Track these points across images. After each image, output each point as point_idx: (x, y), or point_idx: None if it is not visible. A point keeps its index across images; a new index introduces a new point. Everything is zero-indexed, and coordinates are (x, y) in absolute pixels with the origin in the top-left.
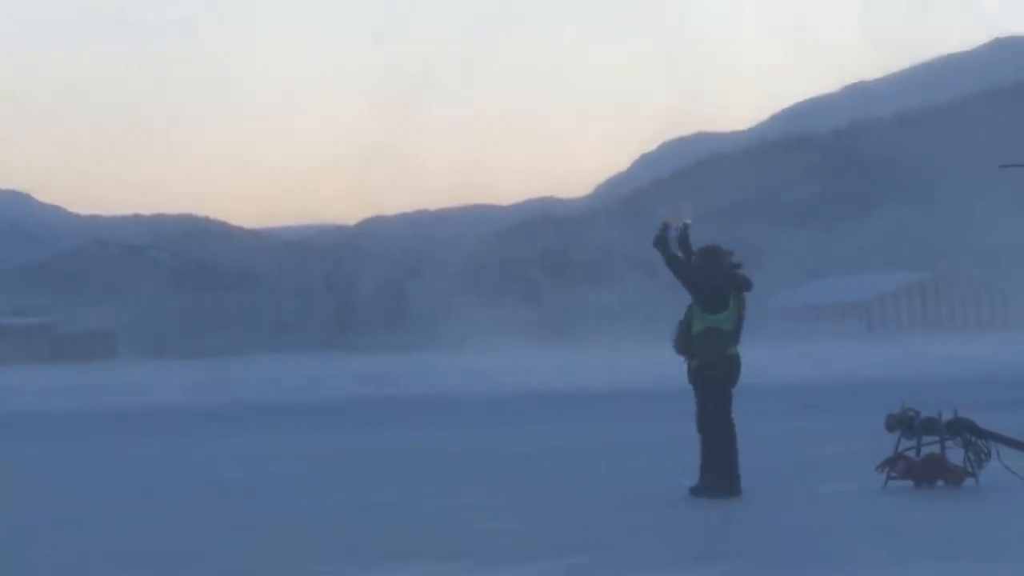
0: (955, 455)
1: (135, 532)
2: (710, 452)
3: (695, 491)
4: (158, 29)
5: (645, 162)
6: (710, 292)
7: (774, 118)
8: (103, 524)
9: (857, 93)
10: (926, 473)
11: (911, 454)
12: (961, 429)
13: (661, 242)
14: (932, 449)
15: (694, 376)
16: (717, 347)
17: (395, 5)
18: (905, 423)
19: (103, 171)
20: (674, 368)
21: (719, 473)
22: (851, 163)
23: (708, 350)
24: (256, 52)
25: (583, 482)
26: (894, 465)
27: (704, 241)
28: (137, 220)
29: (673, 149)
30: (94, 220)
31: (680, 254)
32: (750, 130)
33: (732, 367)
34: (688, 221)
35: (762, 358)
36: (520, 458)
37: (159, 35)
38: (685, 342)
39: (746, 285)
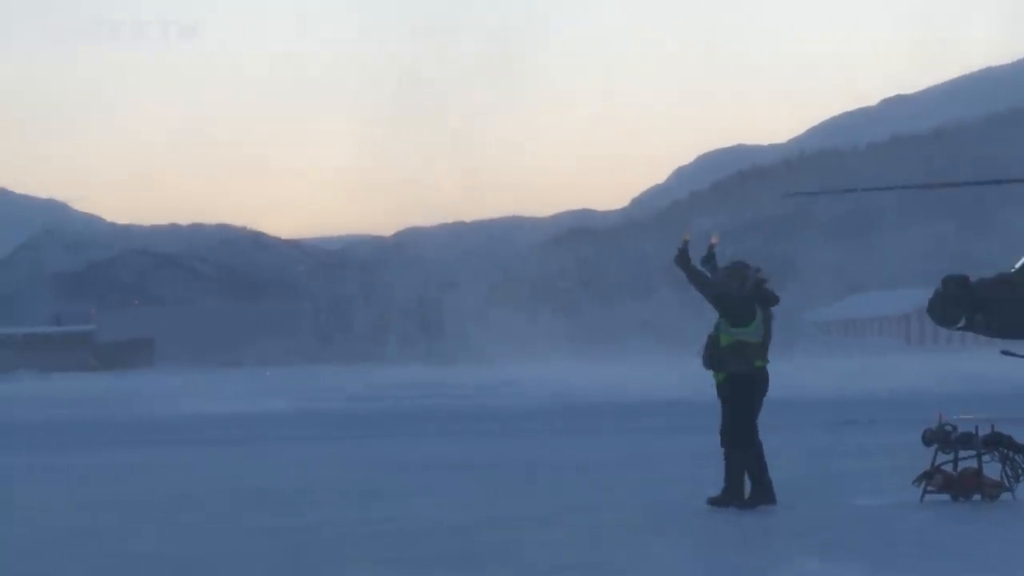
0: (992, 469)
1: (171, 542)
2: (736, 465)
3: (714, 502)
4: (197, 39)
5: (682, 175)
6: (736, 306)
7: (812, 131)
8: (139, 535)
9: (895, 107)
10: (963, 487)
11: (948, 468)
12: (998, 443)
13: (682, 258)
14: (969, 463)
15: (721, 389)
16: (745, 360)
17: (430, 14)
18: (942, 437)
19: (141, 181)
20: (708, 381)
21: (756, 485)
22: (887, 178)
23: (736, 363)
24: (296, 63)
25: (617, 494)
26: (931, 479)
27: (742, 253)
28: (175, 230)
29: (711, 161)
30: (132, 229)
31: (702, 269)
32: (788, 143)
33: (760, 380)
34: (715, 241)
35: (800, 372)
36: (555, 469)
37: (198, 46)
38: (713, 356)
39: (773, 299)
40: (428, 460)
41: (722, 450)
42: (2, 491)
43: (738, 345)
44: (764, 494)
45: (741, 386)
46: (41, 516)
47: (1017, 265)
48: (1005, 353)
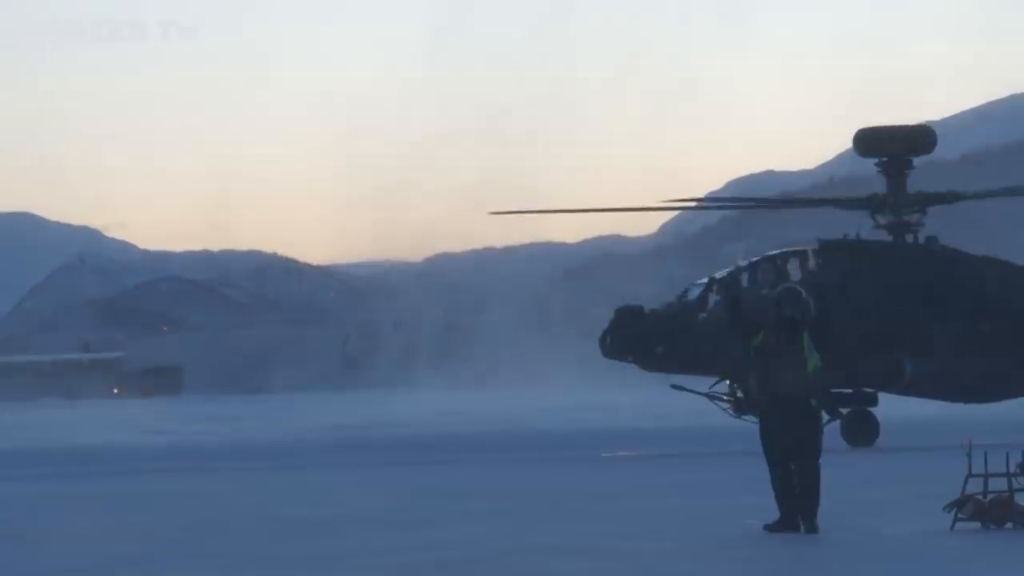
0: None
1: (201, 572)
2: (808, 488)
3: (771, 528)
4: (228, 68)
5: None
6: (819, 329)
7: (840, 157)
8: (172, 564)
9: None
10: (994, 515)
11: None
12: None
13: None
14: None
15: (807, 413)
16: (828, 383)
17: (462, 42)
18: None
19: (173, 208)
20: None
21: (804, 509)
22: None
23: (824, 388)
24: (326, 90)
25: (649, 521)
26: (962, 507)
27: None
28: (206, 256)
29: (740, 187)
30: (163, 256)
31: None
32: (817, 168)
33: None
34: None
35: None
36: (587, 497)
37: (228, 73)
38: (803, 382)
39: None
40: (461, 487)
41: (772, 476)
42: (33, 519)
43: (820, 370)
44: (814, 519)
45: (820, 409)
46: (73, 546)
47: (693, 295)
48: (675, 387)
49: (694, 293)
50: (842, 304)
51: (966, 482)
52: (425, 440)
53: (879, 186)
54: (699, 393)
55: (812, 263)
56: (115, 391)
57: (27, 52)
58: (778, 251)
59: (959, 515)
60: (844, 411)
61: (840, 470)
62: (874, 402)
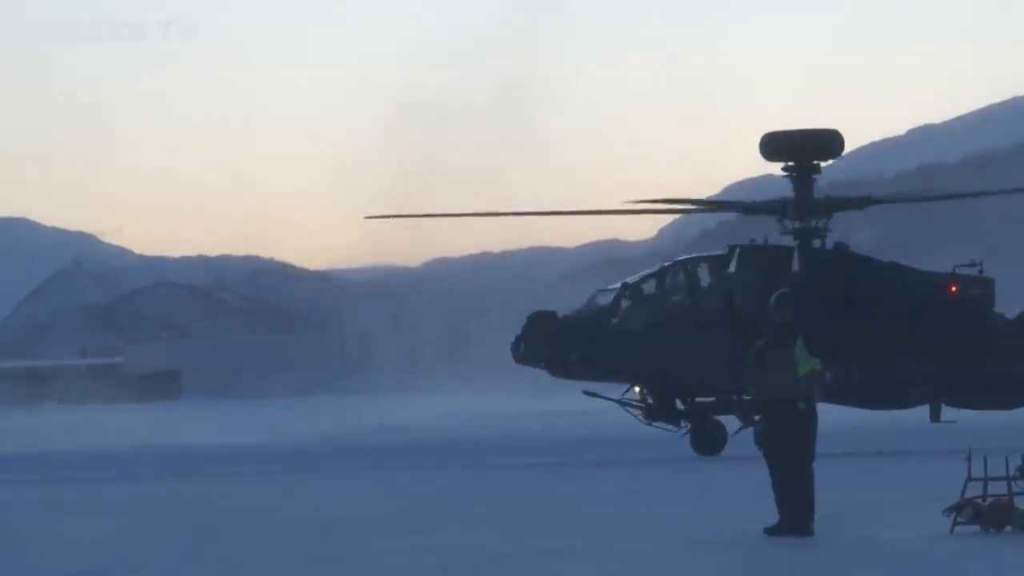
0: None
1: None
2: (802, 492)
3: (771, 531)
4: (220, 73)
5: None
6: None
7: (841, 160)
8: (172, 568)
9: (923, 136)
10: (993, 518)
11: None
12: None
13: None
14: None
15: (797, 418)
16: (823, 388)
17: (458, 43)
18: None
19: (169, 213)
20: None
21: (801, 512)
22: (917, 206)
23: (817, 391)
24: (322, 94)
25: (648, 524)
26: (961, 510)
27: None
28: (203, 261)
29: (740, 191)
30: (160, 261)
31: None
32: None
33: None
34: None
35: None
36: (587, 501)
37: (222, 79)
38: (793, 385)
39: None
40: (460, 491)
41: (772, 479)
42: (32, 524)
43: (814, 374)
44: (810, 522)
45: (813, 414)
46: (72, 550)
47: (604, 300)
48: (588, 394)
49: (605, 299)
50: (753, 309)
51: (966, 486)
52: (424, 444)
53: (877, 191)
54: (611, 400)
55: (724, 268)
56: (114, 396)
57: (24, 53)
58: (690, 256)
59: (958, 518)
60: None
61: (839, 473)
62: None
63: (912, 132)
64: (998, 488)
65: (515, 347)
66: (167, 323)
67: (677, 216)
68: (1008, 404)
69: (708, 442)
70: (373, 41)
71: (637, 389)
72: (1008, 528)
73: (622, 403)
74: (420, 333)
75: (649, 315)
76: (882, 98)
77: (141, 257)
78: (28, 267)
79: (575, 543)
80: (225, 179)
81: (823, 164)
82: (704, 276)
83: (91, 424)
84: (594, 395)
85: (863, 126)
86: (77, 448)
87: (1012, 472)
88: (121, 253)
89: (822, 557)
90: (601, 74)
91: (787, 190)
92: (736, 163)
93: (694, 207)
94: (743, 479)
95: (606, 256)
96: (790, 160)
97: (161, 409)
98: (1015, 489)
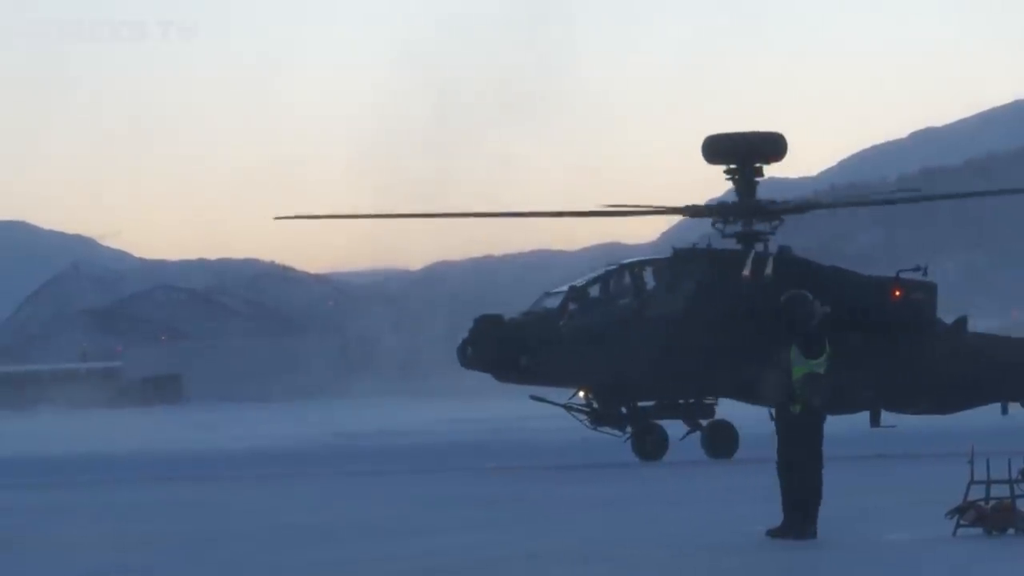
0: None
1: None
2: (805, 495)
3: (774, 533)
4: (220, 73)
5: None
6: (810, 337)
7: (842, 164)
8: (172, 572)
9: (925, 139)
10: (996, 521)
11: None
12: None
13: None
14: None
15: (797, 420)
16: (817, 391)
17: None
18: None
19: (169, 216)
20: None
21: (804, 515)
22: (919, 209)
23: (813, 395)
24: (321, 97)
25: (653, 529)
26: (964, 513)
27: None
28: (203, 264)
29: None
30: (160, 265)
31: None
32: (818, 176)
33: (824, 412)
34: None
35: None
36: (589, 505)
37: (222, 79)
38: (787, 387)
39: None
40: (461, 495)
41: (785, 479)
42: (32, 528)
43: (811, 377)
44: (811, 525)
45: (815, 417)
46: (72, 554)
47: (551, 304)
48: (534, 398)
49: (552, 302)
50: (695, 313)
51: (968, 489)
52: (425, 448)
53: (880, 194)
54: (557, 404)
55: (666, 272)
56: (115, 400)
57: (24, 54)
58: (635, 259)
59: (961, 521)
60: (704, 423)
61: (842, 476)
62: (711, 414)
63: (914, 135)
64: (1001, 491)
65: (461, 351)
66: (167, 327)
67: (680, 219)
68: (947, 409)
69: (650, 447)
70: (373, 42)
71: (582, 394)
72: (1011, 531)
73: (568, 408)
74: (421, 336)
75: (594, 319)
76: (884, 102)
77: (140, 260)
78: (26, 271)
79: (577, 546)
80: (225, 181)
81: (811, 174)
82: (649, 279)
83: (92, 428)
84: (540, 400)
85: (865, 129)
86: (76, 452)
87: (1015, 475)
88: (120, 256)
89: (824, 560)
90: (603, 73)
91: (788, 191)
92: None
93: (640, 211)
94: (743, 481)
95: (608, 259)
96: (732, 163)
97: (162, 412)
98: (1018, 492)
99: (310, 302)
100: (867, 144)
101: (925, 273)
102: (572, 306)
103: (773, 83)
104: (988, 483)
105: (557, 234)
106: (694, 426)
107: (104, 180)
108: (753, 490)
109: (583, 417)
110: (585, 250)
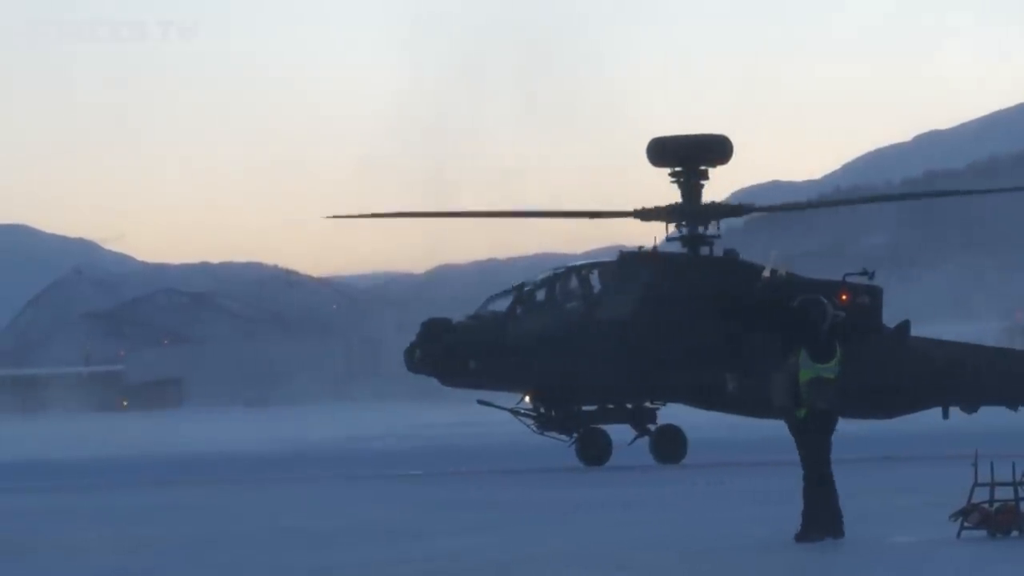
0: None
1: None
2: (820, 499)
3: (800, 538)
4: (222, 78)
5: None
6: (823, 341)
7: (847, 167)
8: (173, 575)
9: (929, 142)
10: (1000, 524)
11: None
12: None
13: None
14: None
15: (804, 425)
16: (824, 396)
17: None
18: None
19: (171, 220)
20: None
21: (829, 516)
22: (924, 212)
23: (819, 399)
24: (324, 101)
25: (665, 531)
26: (968, 515)
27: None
28: (205, 268)
29: (746, 197)
30: (162, 268)
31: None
32: (823, 179)
33: (836, 416)
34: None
35: None
36: (590, 507)
37: (222, 80)
38: (793, 392)
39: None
40: (463, 498)
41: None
42: (34, 532)
43: (817, 381)
44: (836, 526)
45: (823, 422)
46: (74, 557)
47: (497, 307)
48: (481, 403)
49: (500, 305)
50: (642, 316)
51: (972, 491)
52: (426, 451)
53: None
54: (504, 409)
55: (613, 274)
56: (121, 403)
57: (24, 54)
58: (581, 263)
59: (965, 523)
60: (652, 428)
61: (848, 478)
62: (654, 419)
63: (918, 138)
64: (1005, 493)
65: (409, 354)
66: (169, 330)
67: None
68: (889, 413)
69: (594, 452)
70: (373, 42)
71: (528, 398)
72: (1015, 533)
73: (515, 412)
74: None
75: (540, 322)
76: (889, 105)
77: (142, 264)
78: (29, 275)
79: (582, 549)
80: (228, 184)
81: (815, 177)
82: (595, 282)
83: (94, 431)
84: (487, 404)
85: (869, 132)
86: (80, 456)
87: (1019, 477)
88: (122, 260)
89: (828, 561)
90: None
91: (791, 195)
92: (743, 169)
93: (588, 214)
94: (743, 482)
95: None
96: (677, 166)
97: (164, 416)
98: (1022, 494)
99: (313, 306)
100: (871, 147)
101: (872, 277)
102: (519, 309)
103: (776, 86)
104: (992, 485)
105: (560, 236)
106: (642, 431)
107: (106, 183)
108: (775, 493)
109: (529, 422)
110: (588, 253)
